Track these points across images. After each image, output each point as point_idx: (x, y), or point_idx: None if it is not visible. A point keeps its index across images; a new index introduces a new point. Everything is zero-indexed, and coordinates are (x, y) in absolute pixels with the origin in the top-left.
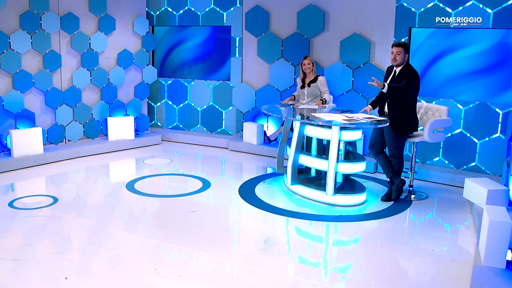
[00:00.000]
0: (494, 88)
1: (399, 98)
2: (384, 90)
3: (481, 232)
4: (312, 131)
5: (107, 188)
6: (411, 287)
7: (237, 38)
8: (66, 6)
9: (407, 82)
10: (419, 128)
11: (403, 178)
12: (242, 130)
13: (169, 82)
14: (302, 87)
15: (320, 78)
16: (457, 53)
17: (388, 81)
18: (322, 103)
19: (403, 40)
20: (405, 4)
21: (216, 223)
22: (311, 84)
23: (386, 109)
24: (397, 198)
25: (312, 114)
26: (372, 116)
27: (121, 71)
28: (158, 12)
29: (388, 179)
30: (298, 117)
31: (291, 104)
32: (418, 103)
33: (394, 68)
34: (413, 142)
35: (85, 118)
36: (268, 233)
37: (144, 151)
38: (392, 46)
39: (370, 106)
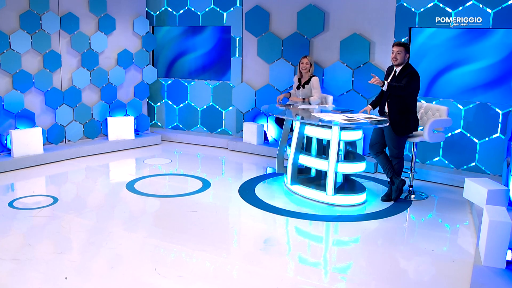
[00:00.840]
0: (495, 89)
1: (399, 98)
2: (384, 88)
3: (481, 232)
4: (312, 131)
5: (107, 188)
6: (411, 287)
7: (237, 38)
8: (66, 6)
9: (407, 81)
10: (419, 128)
11: (403, 178)
12: (242, 130)
13: (169, 82)
14: (298, 87)
15: (312, 78)
16: (458, 52)
17: (388, 81)
18: (304, 101)
19: (403, 40)
20: (405, 4)
21: (216, 223)
22: (305, 86)
23: (386, 109)
24: (397, 198)
25: (312, 114)
26: (372, 116)
27: (121, 71)
28: (158, 12)
29: (388, 179)
30: (298, 117)
31: (290, 104)
32: (418, 103)
33: (395, 68)
34: (413, 142)
35: (85, 118)
36: (268, 233)
37: (144, 151)
38: (392, 46)
39: (370, 106)
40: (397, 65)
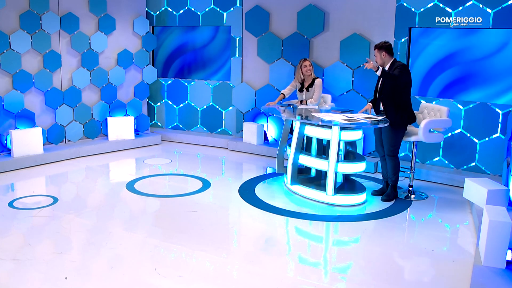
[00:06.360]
0: (494, 88)
1: (392, 92)
2: (378, 73)
3: (481, 232)
4: (312, 131)
5: (107, 188)
6: (411, 287)
7: (237, 38)
8: (66, 6)
9: (399, 71)
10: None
11: (398, 188)
12: (242, 130)
13: (169, 82)
14: (301, 90)
15: (316, 80)
16: (458, 52)
17: (379, 83)
18: (301, 103)
19: (402, 40)
20: (405, 4)
21: (216, 223)
22: (310, 88)
23: (381, 107)
24: (383, 194)
25: (312, 114)
26: (372, 116)
27: (121, 71)
28: (158, 12)
29: (390, 183)
30: (298, 117)
31: (290, 104)
32: (421, 104)
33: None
34: (413, 142)
35: (85, 118)
36: (268, 233)
37: (144, 151)
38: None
39: (371, 104)
40: (382, 65)
